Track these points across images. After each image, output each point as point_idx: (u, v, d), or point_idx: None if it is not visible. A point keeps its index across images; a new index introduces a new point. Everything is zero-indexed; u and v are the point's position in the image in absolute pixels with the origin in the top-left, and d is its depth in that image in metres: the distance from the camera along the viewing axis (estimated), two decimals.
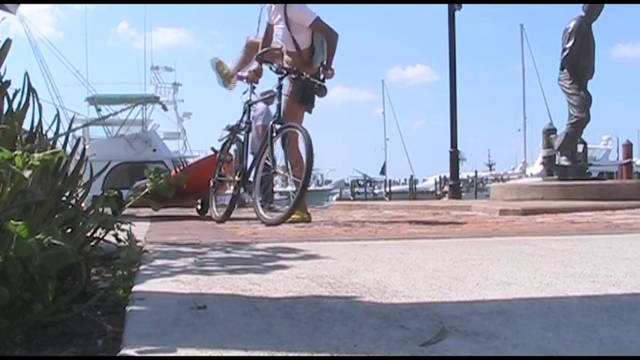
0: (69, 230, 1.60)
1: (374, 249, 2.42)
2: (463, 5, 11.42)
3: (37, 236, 1.17)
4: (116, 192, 1.80)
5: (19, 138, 1.54)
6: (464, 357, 0.94)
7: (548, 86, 43.44)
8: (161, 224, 4.72)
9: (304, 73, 4.56)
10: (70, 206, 1.68)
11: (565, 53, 7.86)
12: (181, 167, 7.86)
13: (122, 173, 15.28)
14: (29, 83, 1.68)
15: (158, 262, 2.02)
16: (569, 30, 7.89)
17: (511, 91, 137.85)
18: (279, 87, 4.67)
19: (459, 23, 11.47)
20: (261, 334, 1.06)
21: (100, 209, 1.73)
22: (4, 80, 1.60)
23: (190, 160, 11.36)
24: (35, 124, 1.72)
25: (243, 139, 5.05)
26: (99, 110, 19.10)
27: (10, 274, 1.13)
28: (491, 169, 55.56)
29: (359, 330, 1.08)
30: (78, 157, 1.88)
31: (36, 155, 1.24)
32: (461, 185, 16.10)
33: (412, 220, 4.64)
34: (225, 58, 5.60)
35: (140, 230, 2.89)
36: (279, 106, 4.67)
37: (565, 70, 7.91)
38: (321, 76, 4.70)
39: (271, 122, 4.66)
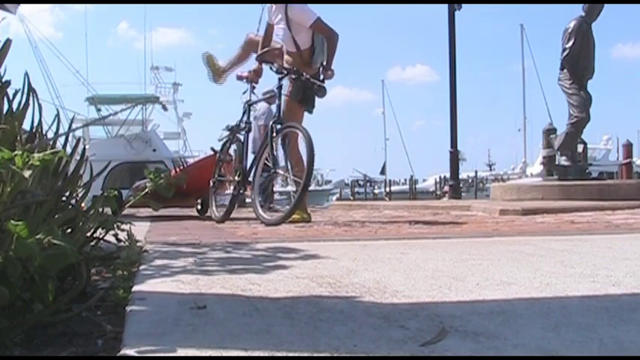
0: (69, 230, 1.60)
1: (374, 249, 2.42)
2: (463, 5, 11.42)
3: (37, 236, 1.17)
4: (116, 192, 1.80)
5: (19, 138, 1.54)
6: (464, 357, 0.94)
7: (548, 86, 43.47)
8: (161, 224, 4.72)
9: (304, 74, 4.57)
10: (70, 206, 1.68)
11: (565, 53, 7.86)
12: (181, 167, 7.86)
13: (122, 173, 15.27)
14: (29, 83, 1.68)
15: (158, 262, 2.02)
16: (569, 30, 7.89)
17: (511, 91, 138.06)
18: (279, 87, 4.67)
19: (459, 23, 11.49)
20: (261, 334, 1.06)
21: (100, 209, 1.73)
22: (4, 80, 1.60)
23: (190, 160, 11.37)
24: (35, 124, 1.72)
25: (243, 139, 5.05)
26: (99, 110, 19.10)
27: (10, 274, 1.13)
28: (491, 169, 55.59)
29: (359, 330, 1.08)
30: (78, 157, 1.88)
31: (36, 155, 1.24)
32: (461, 185, 16.10)
33: (412, 220, 4.64)
34: (225, 58, 5.61)
35: (140, 230, 2.89)
36: (278, 106, 4.67)
37: (565, 70, 7.92)
38: (321, 77, 4.71)
39: (271, 122, 4.66)
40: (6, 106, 1.61)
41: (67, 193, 1.70)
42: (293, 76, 4.62)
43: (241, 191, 4.90)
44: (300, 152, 4.57)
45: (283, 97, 4.70)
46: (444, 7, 11.57)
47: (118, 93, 19.95)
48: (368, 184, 49.43)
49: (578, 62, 7.85)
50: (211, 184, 5.33)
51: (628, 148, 15.22)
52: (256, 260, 2.10)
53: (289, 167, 4.59)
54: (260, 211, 4.44)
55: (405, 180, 49.44)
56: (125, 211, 1.98)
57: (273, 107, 4.74)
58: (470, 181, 40.75)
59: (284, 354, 0.95)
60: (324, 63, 4.75)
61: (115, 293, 1.55)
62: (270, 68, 4.75)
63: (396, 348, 0.98)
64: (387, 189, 43.06)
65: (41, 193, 1.45)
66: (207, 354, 0.95)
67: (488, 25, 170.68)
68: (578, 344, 1.00)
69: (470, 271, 1.76)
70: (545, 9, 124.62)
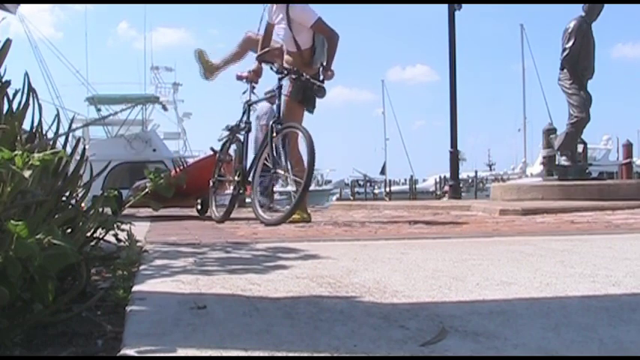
0: (69, 230, 1.60)
1: (374, 249, 2.42)
2: (463, 5, 11.42)
3: (37, 236, 1.17)
4: (116, 192, 1.80)
5: (19, 138, 1.54)
6: (464, 357, 0.94)
7: (548, 86, 43.49)
8: (161, 224, 4.72)
9: (304, 74, 4.57)
10: (70, 206, 1.68)
11: (565, 53, 7.86)
12: (181, 167, 7.85)
13: (122, 173, 15.27)
14: (29, 83, 1.68)
15: (158, 262, 2.02)
16: (569, 30, 7.89)
17: (511, 91, 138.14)
18: (279, 87, 4.67)
19: (459, 23, 11.49)
20: (261, 334, 1.06)
21: (100, 209, 1.73)
22: (4, 80, 1.60)
23: (190, 160, 11.37)
24: (35, 124, 1.72)
25: (242, 139, 5.05)
26: (99, 110, 19.09)
27: (10, 274, 1.13)
28: (491, 169, 55.59)
29: (359, 330, 1.08)
30: (78, 157, 1.88)
31: (36, 155, 1.24)
32: (461, 185, 16.10)
33: (412, 220, 4.64)
34: (222, 57, 5.60)
35: (140, 230, 2.89)
36: (278, 106, 4.67)
37: (565, 70, 7.92)
38: (321, 77, 4.72)
39: (271, 122, 4.66)
40: (6, 106, 1.61)
41: (67, 193, 1.70)
42: (293, 76, 4.63)
43: (241, 191, 4.90)
44: (300, 152, 4.57)
45: (283, 97, 4.70)
46: (444, 7, 11.57)
47: (118, 93, 19.96)
48: (368, 184, 49.43)
49: (578, 62, 7.85)
50: (211, 184, 5.33)
51: (628, 148, 15.22)
52: (256, 260, 2.10)
53: (289, 167, 4.59)
54: (260, 211, 4.43)
55: (405, 180, 49.44)
56: (125, 211, 1.98)
57: (275, 107, 4.74)
58: (470, 181, 40.75)
59: (284, 354, 0.95)
60: (324, 63, 4.75)
61: (115, 293, 1.55)
62: (271, 68, 4.75)
63: (396, 348, 0.98)
64: (387, 189, 43.06)
65: (41, 193, 1.45)
66: (207, 354, 0.95)
67: (488, 25, 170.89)
68: (578, 344, 1.00)
69: (470, 271, 1.76)
70: (545, 9, 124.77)
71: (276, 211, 4.90)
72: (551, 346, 0.99)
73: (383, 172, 58.23)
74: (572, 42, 7.80)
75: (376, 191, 46.29)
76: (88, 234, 1.71)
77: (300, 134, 4.39)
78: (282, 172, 4.56)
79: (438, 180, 38.00)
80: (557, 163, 8.35)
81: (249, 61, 5.15)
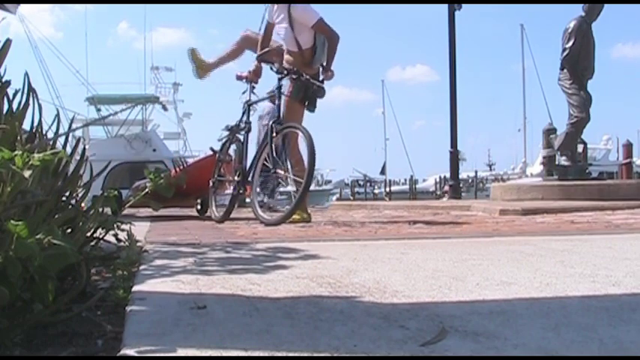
0: (69, 230, 1.60)
1: (374, 249, 2.42)
2: (463, 5, 11.42)
3: (37, 236, 1.17)
4: (116, 192, 1.80)
5: (19, 138, 1.54)
6: (464, 357, 0.94)
7: (548, 86, 43.48)
8: (161, 224, 4.72)
9: (304, 74, 4.58)
10: (70, 206, 1.68)
11: (565, 53, 7.86)
12: (181, 167, 7.85)
13: (122, 173, 15.27)
14: (29, 83, 1.68)
15: (158, 262, 2.02)
16: (569, 30, 7.89)
17: (511, 91, 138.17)
18: (279, 87, 4.68)
19: (459, 23, 11.50)
20: (261, 334, 1.06)
21: (100, 209, 1.73)
22: (4, 80, 1.60)
23: (190, 160, 11.38)
24: (35, 124, 1.72)
25: (242, 139, 5.05)
26: (99, 110, 19.09)
27: (10, 274, 1.13)
28: (491, 169, 55.60)
29: (359, 330, 1.08)
30: (78, 157, 1.88)
31: (36, 155, 1.24)
32: (461, 185, 16.10)
33: (412, 220, 4.64)
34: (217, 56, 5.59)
35: (140, 230, 2.89)
36: (278, 106, 4.68)
37: (565, 70, 7.92)
38: (321, 77, 4.72)
39: (270, 122, 4.67)
40: (6, 106, 1.61)
41: (67, 193, 1.70)
42: (293, 76, 4.63)
43: (241, 191, 4.90)
44: (301, 152, 4.57)
45: (283, 97, 4.71)
46: (444, 7, 11.58)
47: (118, 93, 19.95)
48: (368, 184, 49.44)
49: (578, 62, 7.85)
50: (211, 184, 5.33)
51: (628, 148, 15.22)
52: (256, 260, 2.10)
53: (289, 167, 4.59)
54: (259, 211, 4.43)
55: (405, 180, 49.46)
56: (125, 211, 1.98)
57: (275, 107, 4.74)
58: (470, 181, 40.76)
59: (284, 354, 0.95)
60: (324, 64, 4.76)
61: (115, 293, 1.55)
62: (271, 68, 4.75)
63: (396, 348, 0.98)
64: (387, 189, 43.07)
65: (41, 193, 1.45)
66: (207, 354, 0.95)
67: (488, 25, 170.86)
68: (578, 344, 1.00)
69: (470, 271, 1.76)
70: (545, 9, 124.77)
71: (276, 211, 4.90)
72: (551, 346, 0.99)
73: (383, 172, 58.24)
74: (572, 42, 7.81)
75: (376, 191, 46.30)
76: (88, 234, 1.71)
77: (301, 134, 4.39)
78: (282, 172, 4.56)
79: (438, 180, 38.01)
80: (557, 163, 8.35)
81: (249, 61, 5.15)
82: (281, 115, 4.64)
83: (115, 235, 1.92)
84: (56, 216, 1.54)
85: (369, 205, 8.02)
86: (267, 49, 4.90)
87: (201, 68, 5.50)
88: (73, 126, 1.98)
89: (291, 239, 2.95)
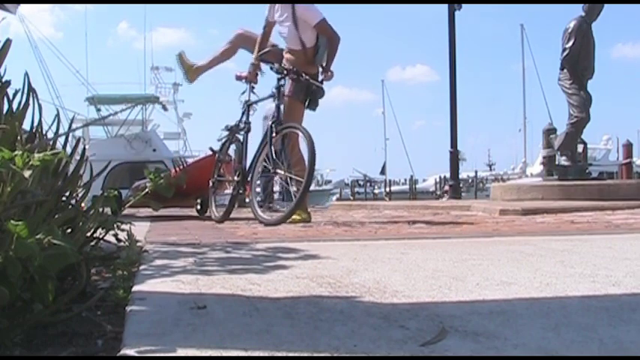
0: (69, 230, 1.60)
1: (374, 249, 2.42)
2: (463, 5, 11.43)
3: (37, 236, 1.17)
4: (116, 192, 1.80)
5: (19, 138, 1.54)
6: (464, 357, 0.94)
7: (548, 86, 43.53)
8: (161, 224, 4.72)
9: (304, 74, 4.58)
10: (70, 206, 1.68)
11: (565, 53, 7.86)
12: (181, 167, 7.85)
13: (122, 173, 15.26)
14: (29, 83, 1.68)
15: (158, 262, 2.02)
16: (569, 30, 7.89)
17: (511, 91, 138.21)
18: (279, 87, 4.68)
19: (459, 23, 11.51)
20: (261, 334, 1.06)
21: (100, 209, 1.73)
22: (4, 80, 1.60)
23: (190, 160, 11.38)
24: (35, 124, 1.72)
25: (242, 139, 5.05)
26: (99, 110, 19.09)
27: (10, 274, 1.13)
28: (491, 169, 55.62)
29: (359, 330, 1.08)
30: (78, 157, 1.88)
31: (36, 155, 1.24)
32: (461, 185, 16.10)
33: (412, 220, 4.64)
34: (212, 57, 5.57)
35: (140, 230, 2.89)
36: (278, 106, 4.68)
37: (565, 70, 7.92)
38: (320, 78, 4.73)
39: (270, 122, 4.67)
40: (6, 106, 1.61)
41: (67, 193, 1.70)
42: (293, 76, 4.63)
43: (241, 191, 4.90)
44: (301, 152, 4.57)
45: (284, 97, 4.71)
46: (444, 7, 11.58)
47: (117, 93, 19.95)
48: (368, 184, 49.43)
49: (578, 62, 7.85)
50: (211, 184, 5.33)
51: (628, 148, 15.22)
52: (256, 260, 2.10)
53: (289, 167, 4.59)
54: (259, 211, 4.43)
55: (405, 180, 49.46)
56: (125, 211, 1.98)
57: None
58: (470, 181, 40.76)
59: (284, 354, 0.95)
60: (324, 64, 4.77)
61: (115, 293, 1.55)
62: (271, 68, 4.75)
63: (396, 348, 0.98)
64: (387, 189, 43.07)
65: (41, 193, 1.45)
66: (207, 354, 0.95)
67: (488, 25, 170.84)
68: (578, 344, 1.00)
69: (470, 271, 1.76)
70: (545, 9, 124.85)
71: (275, 211, 4.90)
72: (551, 346, 0.99)
73: (383, 172, 58.24)
74: (572, 42, 7.81)
75: (376, 191, 46.30)
76: (88, 234, 1.71)
77: (301, 134, 4.39)
78: (282, 173, 4.56)
79: (438, 180, 38.01)
80: (557, 163, 8.35)
81: (249, 61, 5.13)
82: (281, 115, 4.64)
83: (115, 235, 1.92)
84: (56, 216, 1.54)
85: (369, 205, 8.02)
86: (267, 49, 4.91)
87: (191, 72, 5.45)
88: (73, 126, 1.98)
89: (291, 239, 2.95)
